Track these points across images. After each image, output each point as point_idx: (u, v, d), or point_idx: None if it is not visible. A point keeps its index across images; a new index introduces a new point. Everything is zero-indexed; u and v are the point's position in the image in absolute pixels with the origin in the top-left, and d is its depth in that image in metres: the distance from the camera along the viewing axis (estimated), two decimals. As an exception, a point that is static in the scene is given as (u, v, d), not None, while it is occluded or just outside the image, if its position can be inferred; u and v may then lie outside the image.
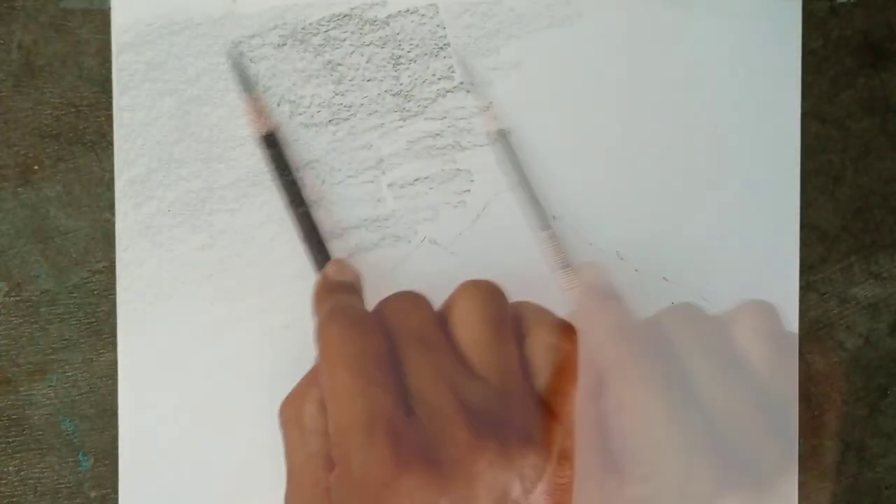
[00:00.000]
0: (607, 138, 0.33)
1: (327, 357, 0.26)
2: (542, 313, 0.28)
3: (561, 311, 0.28)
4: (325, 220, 0.33)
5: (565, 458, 0.26)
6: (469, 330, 0.26)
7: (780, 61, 0.32)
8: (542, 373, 0.26)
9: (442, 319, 0.27)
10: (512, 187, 0.31)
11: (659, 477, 0.24)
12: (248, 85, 0.32)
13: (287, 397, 0.27)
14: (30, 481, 0.33)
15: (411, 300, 0.27)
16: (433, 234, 0.33)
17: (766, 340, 0.26)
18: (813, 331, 0.33)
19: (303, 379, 0.27)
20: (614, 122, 0.33)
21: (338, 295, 0.29)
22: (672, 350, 0.26)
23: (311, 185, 0.33)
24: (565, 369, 0.27)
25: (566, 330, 0.27)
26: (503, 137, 0.31)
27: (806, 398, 0.33)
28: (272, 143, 0.32)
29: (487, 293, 0.27)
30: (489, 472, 0.24)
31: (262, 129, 0.32)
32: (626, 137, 0.33)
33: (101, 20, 0.33)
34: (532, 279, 0.33)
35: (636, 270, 0.33)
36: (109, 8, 0.33)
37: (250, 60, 0.32)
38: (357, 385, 0.25)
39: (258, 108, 0.32)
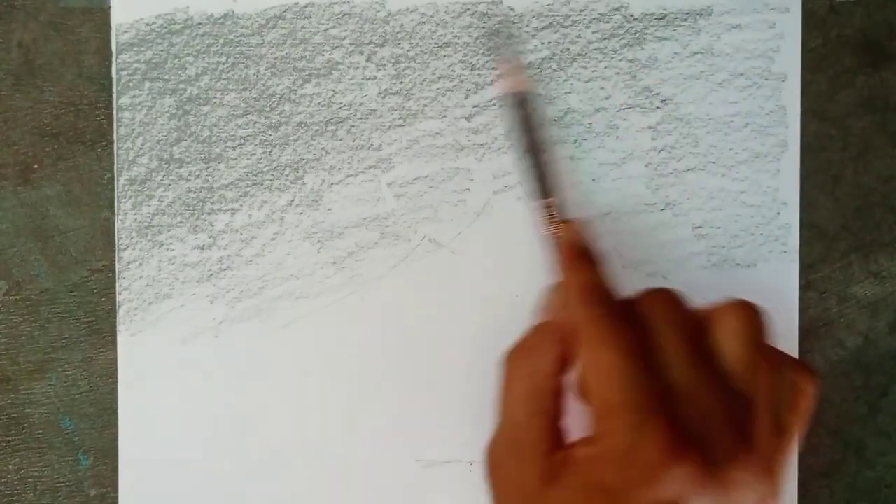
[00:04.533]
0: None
1: (592, 336, 0.25)
2: (791, 357, 0.28)
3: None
4: (326, 218, 0.33)
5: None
6: (733, 346, 0.26)
7: (780, 60, 0.32)
8: (782, 408, 0.26)
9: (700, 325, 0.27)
10: (521, 154, 0.31)
11: (608, 438, 0.24)
12: (503, 47, 0.32)
13: (517, 348, 0.27)
14: (29, 480, 0.33)
15: (679, 297, 0.27)
16: (433, 232, 0.33)
17: (742, 344, 0.26)
18: (813, 329, 0.33)
19: (533, 332, 0.27)
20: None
21: (590, 268, 0.28)
22: (642, 322, 0.26)
23: (310, 185, 0.33)
24: (802, 410, 0.27)
25: (812, 375, 0.27)
26: (521, 101, 0.31)
27: (806, 397, 0.33)
28: (521, 105, 0.31)
29: (756, 317, 0.27)
30: (748, 486, 0.24)
31: (515, 89, 0.32)
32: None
33: (101, 19, 0.33)
34: (532, 278, 0.33)
35: (622, 267, 0.33)
36: (109, 7, 0.33)
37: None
38: (630, 368, 0.25)
39: (513, 69, 0.32)
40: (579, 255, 0.28)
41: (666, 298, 0.27)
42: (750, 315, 0.27)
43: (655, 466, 0.24)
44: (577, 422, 0.26)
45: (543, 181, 0.31)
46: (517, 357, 0.27)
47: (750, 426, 0.25)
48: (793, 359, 0.27)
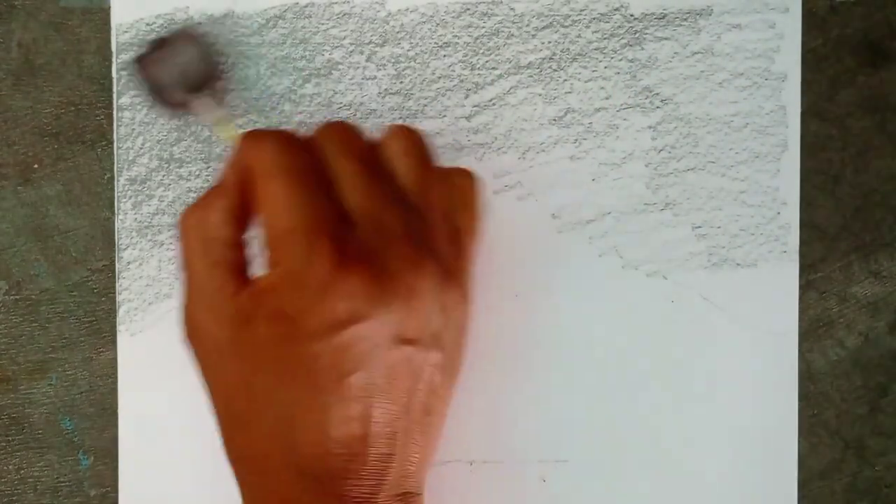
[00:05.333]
0: (607, 137, 0.33)
1: (261, 169, 0.26)
2: (453, 167, 0.29)
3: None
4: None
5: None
6: (402, 166, 0.27)
7: (780, 60, 0.32)
8: (458, 211, 0.28)
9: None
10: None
11: (281, 265, 0.25)
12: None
13: (188, 208, 0.27)
14: (30, 480, 0.33)
15: (351, 126, 0.27)
16: (433, 232, 0.33)
17: (411, 159, 0.27)
18: (813, 329, 0.33)
19: (206, 192, 0.27)
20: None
21: (260, 131, 0.28)
22: (318, 154, 0.26)
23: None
24: (476, 209, 0.28)
25: (473, 175, 0.28)
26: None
27: (805, 397, 0.33)
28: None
29: (417, 135, 0.28)
30: (429, 293, 0.25)
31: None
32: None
33: (100, 19, 0.33)
34: (532, 278, 0.33)
35: (622, 267, 0.33)
36: (109, 7, 0.33)
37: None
38: (296, 192, 0.25)
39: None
40: (256, 131, 0.28)
41: (340, 129, 0.27)
42: (412, 135, 0.27)
43: (326, 283, 0.24)
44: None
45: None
46: (189, 213, 0.27)
47: (428, 236, 0.26)
48: (455, 167, 0.29)
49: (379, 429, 0.25)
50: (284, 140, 0.26)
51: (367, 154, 0.27)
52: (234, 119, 0.32)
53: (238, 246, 0.26)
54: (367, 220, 0.25)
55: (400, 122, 0.33)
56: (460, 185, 0.28)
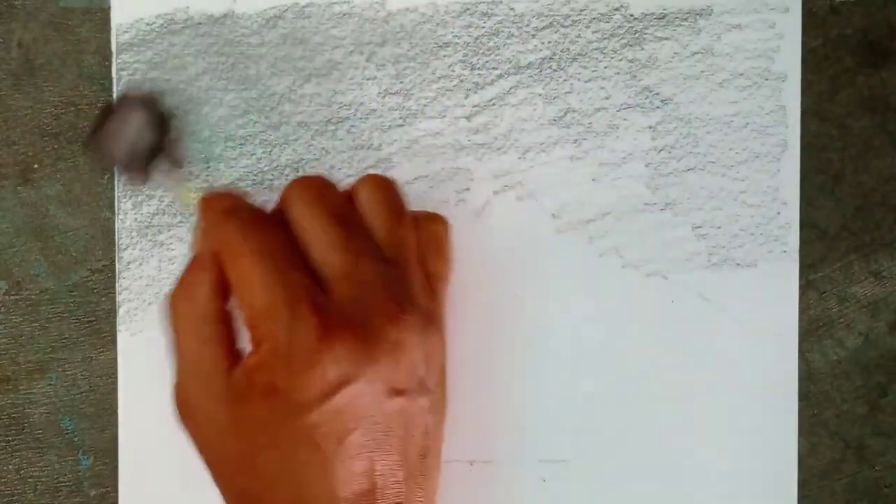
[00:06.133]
0: (607, 137, 0.33)
1: (231, 251, 0.26)
2: (420, 210, 0.29)
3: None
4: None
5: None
6: (375, 218, 0.27)
7: (780, 60, 0.32)
8: (430, 258, 0.28)
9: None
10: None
11: (266, 342, 0.25)
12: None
13: (173, 290, 0.27)
14: (29, 480, 0.33)
15: (322, 181, 0.28)
16: (433, 232, 0.33)
17: (382, 210, 0.27)
18: (813, 329, 0.33)
19: (186, 269, 0.27)
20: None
21: (222, 196, 0.28)
22: (287, 216, 0.27)
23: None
24: (447, 255, 0.29)
25: (443, 220, 0.29)
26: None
27: (805, 397, 0.33)
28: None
29: (387, 184, 0.28)
30: (413, 344, 0.25)
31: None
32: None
33: (100, 19, 0.33)
34: (531, 277, 0.33)
35: (622, 267, 0.33)
36: (109, 7, 0.33)
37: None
38: (268, 269, 0.25)
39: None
40: (213, 197, 0.28)
41: (309, 186, 0.27)
42: (383, 184, 0.28)
43: (312, 353, 0.24)
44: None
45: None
46: (176, 294, 0.27)
47: (406, 286, 0.26)
48: (425, 212, 0.29)
49: (384, 480, 0.25)
50: (248, 219, 0.26)
51: (339, 209, 0.27)
52: (192, 181, 0.31)
53: (226, 319, 0.26)
54: (345, 278, 0.26)
55: (400, 122, 0.33)
56: (433, 231, 0.29)
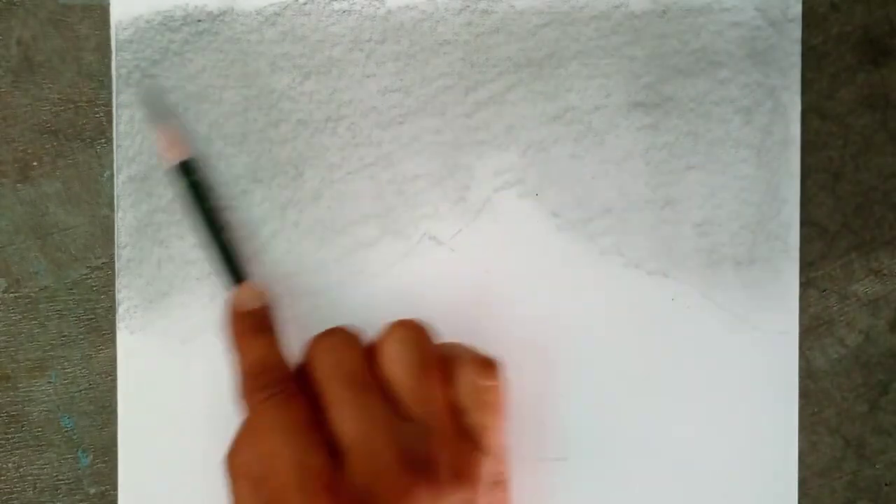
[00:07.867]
0: (607, 135, 0.32)
1: (255, 426, 0.27)
2: (467, 352, 0.29)
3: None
4: (326, 216, 0.32)
5: (498, 483, 0.28)
6: (398, 373, 0.27)
7: (780, 58, 0.32)
8: (470, 410, 0.28)
9: (371, 357, 0.28)
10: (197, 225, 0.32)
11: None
12: (159, 116, 0.32)
13: (231, 448, 0.27)
14: (29, 478, 0.33)
15: (343, 339, 0.28)
16: (433, 230, 0.33)
17: (404, 368, 0.27)
18: (813, 327, 0.33)
19: (241, 429, 0.28)
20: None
21: (256, 345, 0.29)
22: (312, 380, 0.28)
23: (310, 182, 0.33)
24: (491, 404, 0.28)
25: (490, 366, 0.28)
26: (186, 170, 0.32)
27: (805, 395, 0.33)
28: (189, 171, 0.32)
29: (415, 335, 0.28)
30: None
31: (177, 158, 0.32)
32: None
33: (100, 16, 0.33)
34: (531, 277, 0.33)
35: (622, 266, 0.33)
36: (109, 4, 0.33)
37: (161, 92, 0.32)
38: (286, 449, 0.26)
39: (172, 138, 0.32)
40: (249, 330, 0.29)
41: (328, 345, 0.28)
42: (409, 335, 0.28)
43: None
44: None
45: (222, 250, 0.31)
46: (232, 456, 0.27)
47: (428, 447, 0.26)
48: (471, 354, 0.28)
49: None
50: (281, 386, 0.27)
51: (357, 371, 0.27)
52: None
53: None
54: (359, 447, 0.26)
55: (399, 119, 0.33)
56: (468, 382, 0.28)
